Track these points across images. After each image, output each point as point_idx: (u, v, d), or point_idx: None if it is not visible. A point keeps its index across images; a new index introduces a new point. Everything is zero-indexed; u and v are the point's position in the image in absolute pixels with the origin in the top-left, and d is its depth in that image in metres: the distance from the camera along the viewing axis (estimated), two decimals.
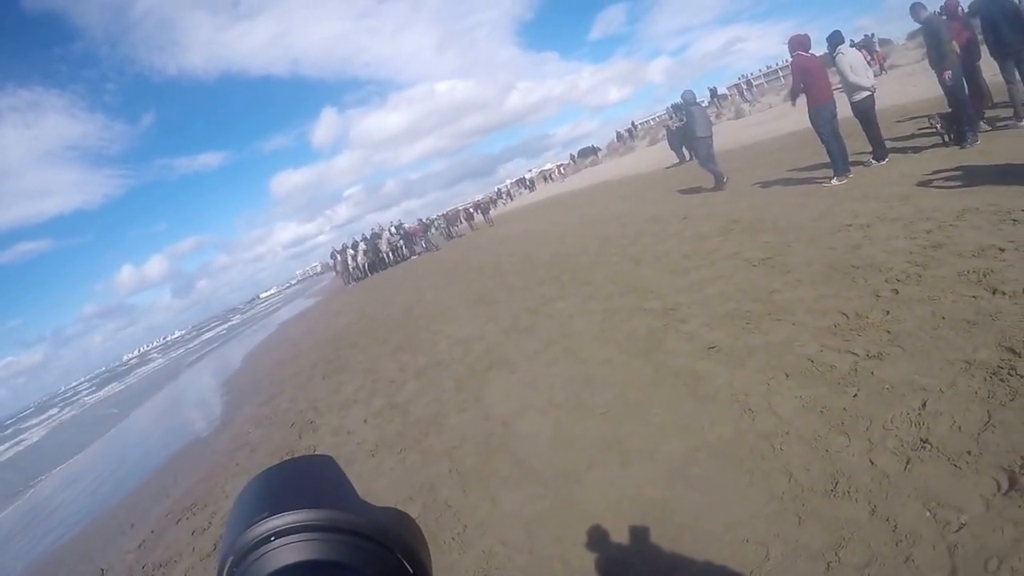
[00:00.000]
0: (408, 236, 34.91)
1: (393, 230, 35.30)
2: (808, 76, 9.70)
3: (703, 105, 15.11)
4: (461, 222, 38.78)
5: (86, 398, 50.53)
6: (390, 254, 34.05)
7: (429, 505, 4.30)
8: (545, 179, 65.28)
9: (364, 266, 33.12)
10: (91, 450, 16.52)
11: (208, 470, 7.92)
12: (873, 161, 9.56)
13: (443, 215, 40.59)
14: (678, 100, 14.08)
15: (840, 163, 9.40)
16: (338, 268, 35.15)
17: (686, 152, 21.94)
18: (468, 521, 3.88)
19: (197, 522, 6.15)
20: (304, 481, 0.58)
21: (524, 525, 3.57)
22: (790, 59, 10.26)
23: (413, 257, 32.97)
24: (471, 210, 39.37)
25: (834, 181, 9.32)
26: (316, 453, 0.77)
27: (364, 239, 34.18)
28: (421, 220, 37.98)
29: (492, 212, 37.68)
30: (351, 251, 33.38)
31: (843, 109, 9.77)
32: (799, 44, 9.91)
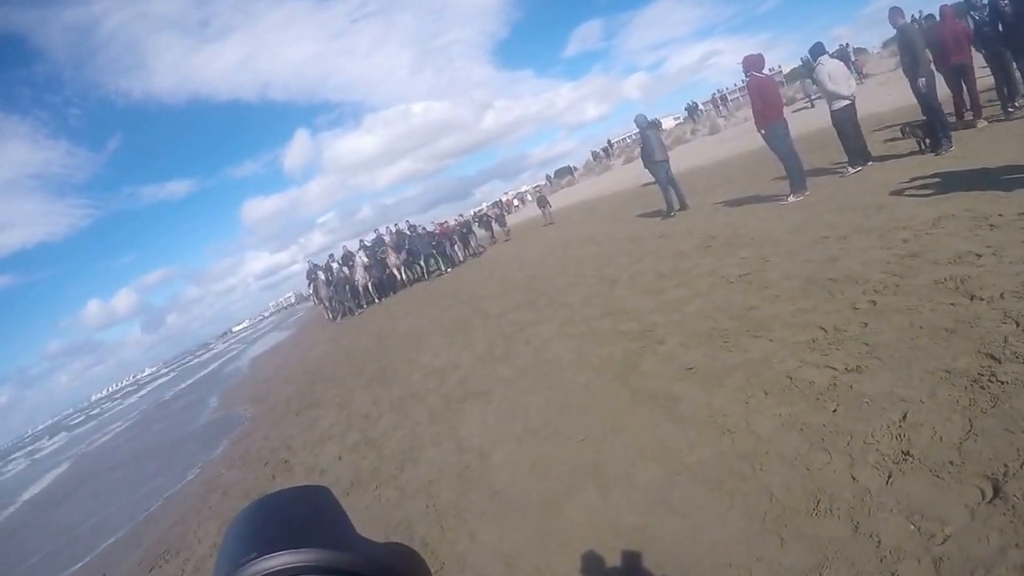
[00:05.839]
0: (424, 241, 25.07)
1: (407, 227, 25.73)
2: (762, 96, 9.83)
3: (657, 127, 14.97)
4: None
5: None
6: (401, 269, 24.64)
7: (406, 543, 4.23)
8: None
9: (368, 287, 23.86)
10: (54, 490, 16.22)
11: (180, 514, 7.79)
12: (849, 168, 9.69)
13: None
14: (650, 119, 13.90)
15: (797, 180, 9.54)
16: (321, 294, 25.51)
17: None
18: (446, 558, 3.82)
19: (170, 570, 6.05)
20: (297, 516, 0.56)
21: (503, 559, 3.52)
22: (745, 79, 10.41)
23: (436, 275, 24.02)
24: (489, 216, 32.19)
25: (791, 198, 9.45)
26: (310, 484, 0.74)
27: (364, 247, 24.63)
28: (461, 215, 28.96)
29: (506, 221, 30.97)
30: (344, 269, 24.50)
31: (822, 119, 9.92)
32: (753, 64, 10.03)
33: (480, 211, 35.60)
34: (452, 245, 25.83)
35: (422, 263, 24.90)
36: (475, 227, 29.42)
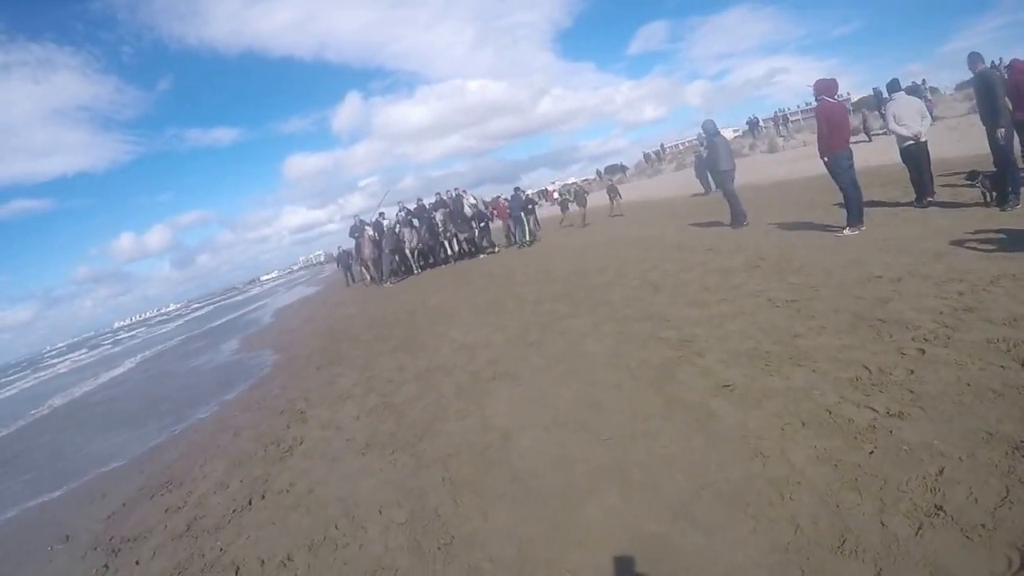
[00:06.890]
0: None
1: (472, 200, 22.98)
2: (830, 122, 9.67)
3: (725, 136, 14.77)
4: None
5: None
6: (452, 242, 23.09)
7: (417, 512, 4.31)
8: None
9: (415, 253, 23.11)
10: (62, 415, 16.55)
11: (188, 448, 7.99)
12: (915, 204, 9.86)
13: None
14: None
15: (855, 213, 9.41)
16: (364, 254, 23.90)
17: (711, 182, 21.01)
18: (457, 533, 3.89)
19: (171, 500, 6.19)
20: None
21: (516, 544, 3.58)
22: (815, 102, 10.26)
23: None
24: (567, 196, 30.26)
25: (847, 231, 9.34)
26: None
27: (420, 204, 23.63)
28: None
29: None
30: (402, 230, 22.69)
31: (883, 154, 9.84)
32: (825, 88, 9.79)
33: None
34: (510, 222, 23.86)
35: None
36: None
